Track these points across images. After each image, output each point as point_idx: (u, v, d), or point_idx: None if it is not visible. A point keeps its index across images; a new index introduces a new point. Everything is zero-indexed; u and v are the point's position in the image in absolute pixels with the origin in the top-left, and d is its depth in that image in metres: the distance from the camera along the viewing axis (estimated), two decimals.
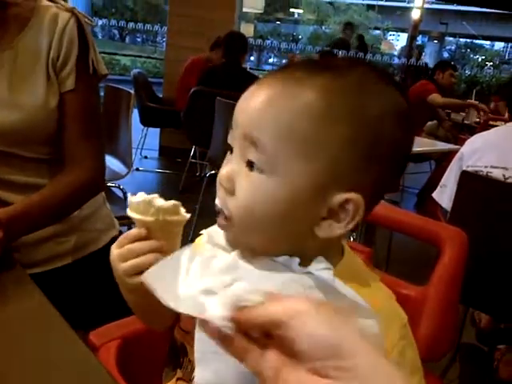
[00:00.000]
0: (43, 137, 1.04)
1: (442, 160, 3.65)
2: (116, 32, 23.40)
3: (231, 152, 0.52)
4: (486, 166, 1.71)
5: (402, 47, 21.28)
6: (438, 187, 1.90)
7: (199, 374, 0.52)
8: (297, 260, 0.49)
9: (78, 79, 1.03)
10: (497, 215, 1.52)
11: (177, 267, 0.46)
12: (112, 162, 2.10)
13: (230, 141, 0.53)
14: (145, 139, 4.71)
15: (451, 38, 25.57)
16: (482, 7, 17.63)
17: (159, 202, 0.56)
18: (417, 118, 3.98)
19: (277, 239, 0.51)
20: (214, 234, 0.55)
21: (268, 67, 19.64)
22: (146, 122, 4.46)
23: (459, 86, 13.29)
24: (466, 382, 1.88)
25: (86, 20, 1.05)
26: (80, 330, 0.72)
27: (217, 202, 0.52)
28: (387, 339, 0.48)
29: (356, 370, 0.34)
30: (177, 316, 0.63)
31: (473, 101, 5.09)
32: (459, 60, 22.38)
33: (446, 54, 24.80)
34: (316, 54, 8.61)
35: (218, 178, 0.52)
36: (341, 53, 6.41)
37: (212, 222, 0.55)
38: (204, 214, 2.53)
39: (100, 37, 21.32)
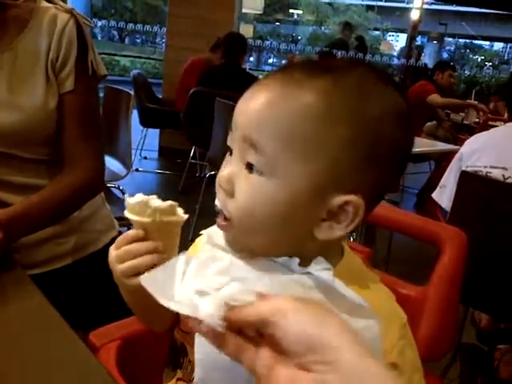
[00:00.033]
0: (42, 138, 1.04)
1: (442, 160, 3.65)
2: (115, 33, 23.43)
3: (230, 153, 0.52)
4: (485, 166, 1.71)
5: (401, 48, 21.35)
6: (438, 187, 1.90)
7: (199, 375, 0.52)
8: (296, 260, 0.49)
9: (77, 80, 1.03)
10: (496, 215, 1.52)
11: (173, 272, 0.46)
12: (111, 163, 2.09)
13: (229, 143, 0.53)
14: (144, 140, 4.71)
15: (450, 39, 25.60)
16: (481, 8, 17.65)
17: (156, 202, 0.56)
18: (416, 119, 3.98)
19: (276, 241, 0.51)
20: (213, 234, 0.55)
21: (267, 68, 19.68)
22: (145, 122, 4.45)
23: (458, 87, 13.31)
24: (466, 382, 1.88)
25: (85, 21, 1.05)
26: (80, 330, 0.72)
27: (217, 202, 0.52)
28: (387, 339, 0.49)
29: (337, 363, 0.35)
30: (177, 317, 0.63)
31: (472, 101, 5.09)
32: (458, 60, 22.43)
33: (445, 55, 24.83)
34: (315, 54, 8.60)
35: (217, 180, 0.52)
36: (340, 53, 6.41)
37: (212, 223, 0.55)
38: (204, 215, 2.54)
39: (99, 38, 21.35)
